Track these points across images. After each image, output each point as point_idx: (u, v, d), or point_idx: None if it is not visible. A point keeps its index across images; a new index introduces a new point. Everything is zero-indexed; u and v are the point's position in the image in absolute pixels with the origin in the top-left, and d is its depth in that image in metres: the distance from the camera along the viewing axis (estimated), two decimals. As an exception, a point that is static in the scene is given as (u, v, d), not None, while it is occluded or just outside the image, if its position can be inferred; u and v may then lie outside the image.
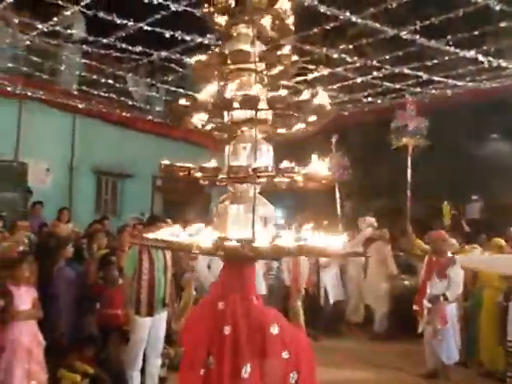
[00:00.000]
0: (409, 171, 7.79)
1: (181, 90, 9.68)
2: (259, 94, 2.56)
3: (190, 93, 9.61)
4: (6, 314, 4.17)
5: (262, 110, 2.55)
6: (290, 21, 2.72)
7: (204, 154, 13.30)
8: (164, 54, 7.22)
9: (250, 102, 2.47)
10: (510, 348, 5.95)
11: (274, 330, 2.56)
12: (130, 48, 6.88)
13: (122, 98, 10.43)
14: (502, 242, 6.79)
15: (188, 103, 2.68)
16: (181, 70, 8.25)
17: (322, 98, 2.61)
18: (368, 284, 8.43)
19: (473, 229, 9.33)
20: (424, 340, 6.23)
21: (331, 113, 2.62)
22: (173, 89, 9.88)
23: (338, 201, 8.74)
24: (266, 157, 2.67)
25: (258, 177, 2.48)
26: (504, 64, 6.94)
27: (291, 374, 2.57)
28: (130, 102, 10.84)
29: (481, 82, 8.07)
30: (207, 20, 2.85)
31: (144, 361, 5.01)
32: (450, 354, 6.07)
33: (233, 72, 2.71)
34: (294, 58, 2.69)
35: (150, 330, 4.94)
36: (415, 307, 6.25)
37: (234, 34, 2.73)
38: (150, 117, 11.65)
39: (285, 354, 2.57)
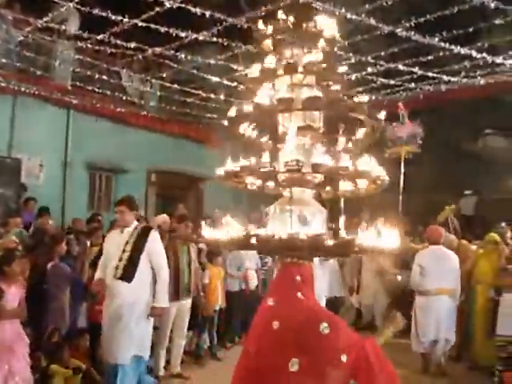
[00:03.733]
0: (402, 173, 7.81)
1: (175, 86, 9.67)
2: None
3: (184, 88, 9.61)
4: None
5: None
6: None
7: (201, 150, 13.35)
8: (158, 50, 7.18)
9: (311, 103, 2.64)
10: (499, 342, 6.02)
11: (325, 329, 2.53)
12: (125, 44, 6.84)
13: (116, 94, 10.39)
14: (497, 237, 6.86)
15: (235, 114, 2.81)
16: (175, 65, 8.21)
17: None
18: (364, 282, 8.48)
19: (467, 224, 9.38)
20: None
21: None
22: (167, 84, 9.86)
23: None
24: (320, 157, 2.62)
25: (315, 172, 2.59)
26: (498, 60, 6.96)
27: (351, 381, 2.48)
28: (124, 98, 10.77)
29: (475, 78, 8.09)
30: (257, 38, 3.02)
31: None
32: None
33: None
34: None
35: (176, 314, 5.79)
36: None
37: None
38: (145, 112, 11.61)
39: (343, 358, 2.49)
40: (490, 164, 12.36)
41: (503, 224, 7.48)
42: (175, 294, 5.73)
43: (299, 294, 2.69)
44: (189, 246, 6.05)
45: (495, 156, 12.90)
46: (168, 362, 6.03)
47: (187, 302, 5.96)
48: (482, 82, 8.15)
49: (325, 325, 2.53)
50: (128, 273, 4.55)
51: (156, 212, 11.44)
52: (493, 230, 7.10)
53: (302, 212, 2.74)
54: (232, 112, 2.82)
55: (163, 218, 8.47)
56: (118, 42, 6.73)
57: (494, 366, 6.10)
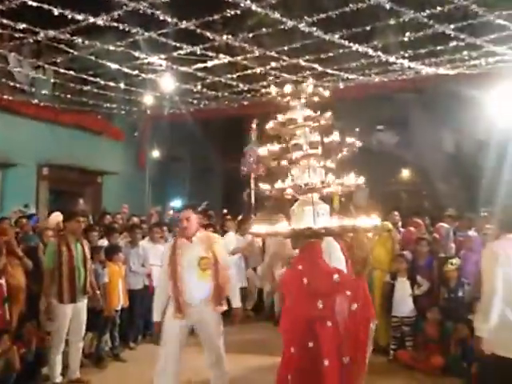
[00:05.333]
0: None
1: (71, 73, 9.11)
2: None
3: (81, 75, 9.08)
4: None
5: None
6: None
7: (99, 142, 12.70)
8: (52, 33, 6.68)
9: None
10: (394, 323, 6.53)
11: (337, 278, 3.72)
12: (13, 25, 6.28)
13: (3, 80, 9.57)
14: (390, 225, 7.31)
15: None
16: (71, 51, 7.71)
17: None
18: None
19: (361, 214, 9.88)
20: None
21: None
22: (62, 71, 9.25)
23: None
24: (319, 175, 3.87)
25: (313, 189, 3.75)
26: (390, 59, 7.39)
27: (352, 304, 3.72)
28: (13, 84, 9.96)
29: (370, 76, 8.52)
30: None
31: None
32: None
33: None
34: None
35: (72, 316, 5.49)
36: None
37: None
38: (36, 101, 10.82)
39: (348, 293, 3.74)
40: (381, 158, 13.19)
41: (396, 213, 7.98)
42: (71, 295, 5.42)
43: (320, 261, 3.84)
44: (82, 244, 5.70)
45: (386, 150, 13.80)
46: (66, 367, 5.69)
47: (83, 303, 5.64)
48: (377, 79, 8.61)
49: (336, 276, 3.72)
50: None
51: (49, 209, 10.76)
52: (388, 219, 7.57)
53: (318, 209, 3.80)
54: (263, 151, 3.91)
55: (58, 216, 7.95)
56: (5, 21, 6.16)
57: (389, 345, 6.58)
